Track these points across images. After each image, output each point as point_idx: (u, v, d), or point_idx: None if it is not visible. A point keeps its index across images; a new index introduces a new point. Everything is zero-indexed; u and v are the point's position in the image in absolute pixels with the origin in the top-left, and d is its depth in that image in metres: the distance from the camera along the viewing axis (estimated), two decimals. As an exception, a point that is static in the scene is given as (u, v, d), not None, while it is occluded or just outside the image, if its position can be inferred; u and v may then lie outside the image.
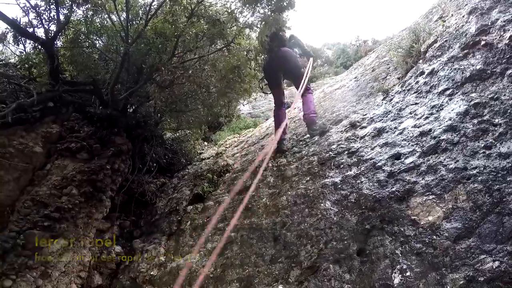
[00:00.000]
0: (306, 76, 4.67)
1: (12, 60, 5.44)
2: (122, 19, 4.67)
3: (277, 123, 5.12)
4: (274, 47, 4.98)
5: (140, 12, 5.37)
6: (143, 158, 6.01)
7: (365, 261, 2.36)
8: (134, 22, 5.09)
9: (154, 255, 4.23)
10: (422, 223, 2.30)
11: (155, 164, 6.16)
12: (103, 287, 4.24)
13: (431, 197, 2.42)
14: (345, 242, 2.63)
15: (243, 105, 13.20)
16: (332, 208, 3.09)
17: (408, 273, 2.08)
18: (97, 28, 5.10)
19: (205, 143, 9.09)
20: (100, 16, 5.10)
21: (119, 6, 4.84)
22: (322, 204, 3.21)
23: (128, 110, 5.88)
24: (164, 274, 3.80)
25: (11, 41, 4.85)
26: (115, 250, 4.59)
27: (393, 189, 2.75)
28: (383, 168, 3.05)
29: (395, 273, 2.13)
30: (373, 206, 2.75)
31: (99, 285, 4.21)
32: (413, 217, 2.38)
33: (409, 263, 2.12)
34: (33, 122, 4.51)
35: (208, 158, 7.03)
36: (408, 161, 2.91)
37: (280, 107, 5.16)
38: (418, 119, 3.35)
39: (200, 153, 7.73)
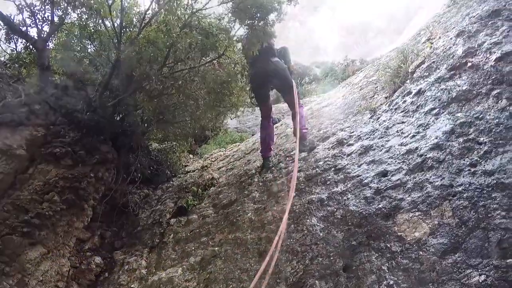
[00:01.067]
0: (297, 88, 4.62)
1: (1, 58, 5.34)
2: (116, 25, 4.65)
3: (263, 139, 5.06)
4: (262, 57, 4.88)
5: (134, 19, 5.37)
6: (127, 167, 5.91)
7: (351, 277, 2.35)
8: (127, 29, 5.08)
9: (135, 268, 4.13)
10: (408, 239, 2.30)
11: (139, 175, 6.06)
12: (81, 299, 4.09)
13: (417, 213, 2.44)
14: (331, 258, 2.62)
15: (231, 119, 13.14)
16: (318, 224, 3.09)
17: None
18: (90, 33, 5.06)
19: (191, 155, 9.00)
20: (94, 20, 5.07)
21: (114, 12, 4.83)
22: (308, 220, 3.21)
23: (116, 118, 5.82)
24: (145, 287, 3.69)
25: (2, 39, 4.79)
26: (95, 260, 4.45)
27: (380, 206, 2.76)
28: (370, 185, 3.07)
29: None
30: (360, 222, 2.76)
31: (77, 296, 4.06)
32: (399, 233, 2.39)
33: (396, 278, 2.11)
34: (19, 123, 4.39)
35: (193, 171, 6.97)
36: (394, 178, 2.94)
37: (268, 120, 5.11)
38: (404, 137, 3.40)
39: (185, 166, 7.65)
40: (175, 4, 4.62)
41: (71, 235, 4.34)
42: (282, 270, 2.85)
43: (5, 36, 4.79)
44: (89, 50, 5.35)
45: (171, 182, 6.52)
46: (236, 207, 4.28)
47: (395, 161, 3.14)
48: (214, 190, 5.32)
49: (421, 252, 2.16)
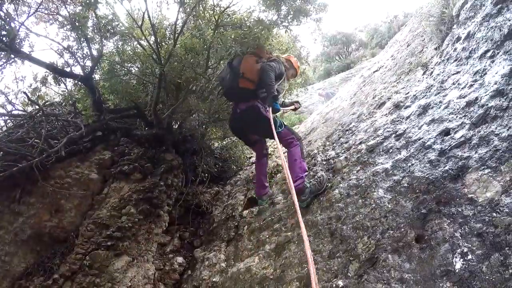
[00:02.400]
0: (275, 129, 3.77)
1: (56, 99, 5.89)
2: (151, 42, 4.86)
3: (258, 178, 4.76)
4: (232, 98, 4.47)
5: (167, 32, 5.56)
6: (194, 170, 6.18)
7: (424, 247, 2.23)
8: (163, 43, 5.27)
9: (215, 262, 4.34)
10: (480, 200, 2.12)
11: (206, 175, 6.30)
12: (168, 298, 4.44)
13: (486, 171, 2.23)
14: (402, 229, 2.51)
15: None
16: (385, 195, 2.96)
17: (469, 256, 1.92)
18: (129, 56, 5.35)
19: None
20: (130, 44, 5.36)
21: (146, 31, 5.05)
22: (375, 193, 3.10)
23: (173, 126, 6.12)
24: (225, 280, 3.88)
25: (52, 83, 5.27)
26: (177, 261, 4.78)
27: (446, 168, 2.57)
28: (433, 147, 2.87)
29: (456, 257, 1.98)
30: (427, 188, 2.59)
31: (164, 296, 4.41)
32: (470, 195, 2.21)
33: (470, 245, 1.96)
34: (86, 152, 4.86)
35: (258, 161, 7.08)
36: (458, 135, 2.71)
37: (261, 159, 4.74)
38: (462, 88, 3.11)
39: (250, 157, 7.78)
40: (201, 7, 4.69)
41: (152, 241, 4.69)
42: (353, 248, 2.80)
43: (53, 80, 5.26)
44: (133, 71, 5.65)
45: (238, 176, 6.68)
46: None
47: (456, 117, 2.89)
48: (281, 177, 5.34)
49: (494, 214, 1.97)
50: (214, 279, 4.04)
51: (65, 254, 4.22)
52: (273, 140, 3.90)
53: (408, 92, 4.08)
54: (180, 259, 4.84)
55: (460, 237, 2.06)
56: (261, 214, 4.62)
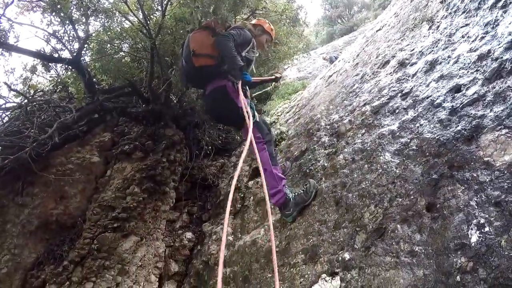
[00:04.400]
0: (249, 118, 2.99)
1: (50, 87, 5.76)
2: (139, 17, 4.62)
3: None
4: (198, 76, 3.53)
5: (155, 4, 5.28)
6: (198, 143, 6.11)
7: (436, 217, 2.08)
8: (151, 16, 5.02)
9: (222, 236, 4.31)
10: (497, 164, 1.92)
11: (210, 147, 6.22)
12: (180, 274, 4.49)
13: (504, 131, 2.01)
14: (412, 197, 2.36)
15: (290, 70, 12.83)
16: (392, 160, 2.78)
17: (486, 228, 1.74)
18: (117, 33, 5.13)
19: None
20: (117, 20, 5.11)
21: (132, 5, 4.80)
22: (381, 157, 2.91)
23: (172, 101, 5.96)
24: (232, 254, 3.86)
25: (42, 70, 5.13)
26: (187, 236, 4.80)
27: (458, 128, 2.37)
28: (443, 105, 2.65)
29: (471, 229, 1.81)
30: (438, 151, 2.40)
31: (176, 272, 4.46)
32: (486, 159, 2.01)
33: (487, 215, 1.78)
34: (83, 135, 4.77)
35: (262, 130, 6.95)
36: (470, 92, 2.49)
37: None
38: (472, 41, 2.84)
39: (253, 128, 7.66)
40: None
41: (160, 218, 4.69)
42: (360, 217, 2.67)
43: (43, 67, 5.09)
44: (123, 48, 5.43)
45: (243, 146, 6.57)
46: (308, 157, 4.13)
47: (467, 72, 2.65)
48: (285, 144, 5.22)
49: (514, 180, 1.80)
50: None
51: (73, 240, 4.26)
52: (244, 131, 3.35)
53: (414, 49, 3.81)
54: (189, 235, 4.85)
55: (475, 206, 1.88)
56: (265, 183, 4.53)
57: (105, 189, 4.56)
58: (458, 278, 1.73)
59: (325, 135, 4.19)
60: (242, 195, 4.89)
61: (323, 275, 2.57)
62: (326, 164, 3.64)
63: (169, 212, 5.02)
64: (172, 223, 5.07)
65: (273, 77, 4.64)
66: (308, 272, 2.71)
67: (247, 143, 2.62)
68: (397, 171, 2.65)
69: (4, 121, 4.94)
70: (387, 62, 4.25)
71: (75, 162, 4.59)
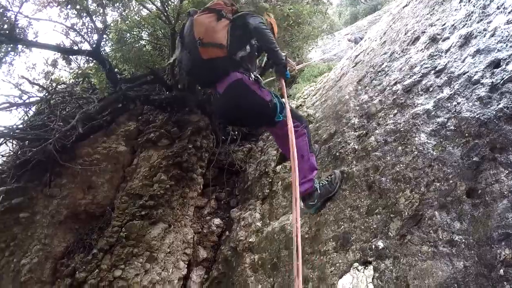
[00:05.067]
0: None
1: (72, 80, 5.84)
2: (158, 4, 4.55)
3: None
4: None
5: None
6: (224, 129, 6.07)
7: (477, 203, 1.89)
8: (169, 2, 4.92)
9: (250, 222, 4.29)
10: None
11: (237, 132, 6.18)
12: (208, 260, 4.50)
13: (554, 107, 1.80)
14: (451, 181, 2.17)
15: (315, 51, 12.55)
16: (429, 141, 2.59)
17: None
18: (136, 22, 5.07)
19: (283, 99, 8.85)
20: (134, 9, 5.08)
21: None
22: (416, 138, 2.72)
23: (196, 87, 5.90)
24: (261, 240, 3.81)
25: (63, 64, 5.19)
26: (215, 222, 4.80)
27: (500, 106, 2.14)
28: (482, 82, 2.41)
29: None
30: (479, 131, 2.19)
31: (204, 259, 4.49)
32: (533, 139, 1.81)
33: None
34: (107, 125, 4.82)
35: (289, 113, 6.80)
36: (510, 67, 2.24)
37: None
38: (509, 13, 2.57)
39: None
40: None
41: (188, 205, 4.70)
42: (394, 203, 2.51)
43: (64, 61, 5.15)
44: (143, 37, 5.41)
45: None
46: (337, 139, 3.96)
47: (506, 46, 2.39)
48: (313, 127, 5.03)
49: None
50: (250, 239, 3.99)
51: (102, 228, 4.36)
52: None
53: (445, 23, 3.53)
54: (217, 221, 4.84)
55: (522, 192, 1.69)
56: (295, 168, 4.42)
57: (133, 178, 4.61)
58: (501, 271, 1.58)
59: (354, 116, 4.01)
60: (270, 180, 4.81)
61: (355, 264, 2.46)
62: (356, 147, 3.47)
63: (197, 198, 5.03)
64: (200, 209, 5.08)
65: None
66: (340, 261, 2.61)
67: (291, 134, 2.44)
68: (434, 153, 2.46)
69: (29, 115, 5.06)
70: (417, 38, 3.99)
71: (101, 152, 4.67)
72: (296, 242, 1.69)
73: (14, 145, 4.99)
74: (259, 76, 2.90)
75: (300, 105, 6.78)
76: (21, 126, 4.90)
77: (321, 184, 3.13)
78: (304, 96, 7.69)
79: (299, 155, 2.71)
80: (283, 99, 2.88)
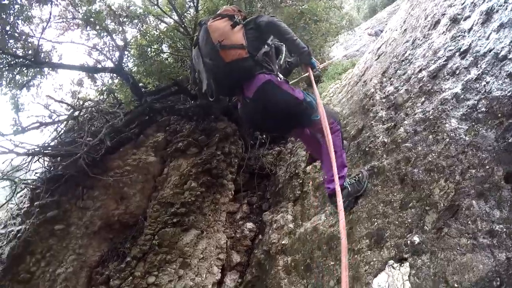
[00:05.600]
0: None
1: (99, 97, 6.07)
2: (175, 17, 4.66)
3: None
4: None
5: (187, 1, 5.27)
6: (253, 134, 6.08)
7: (517, 189, 1.76)
8: (185, 14, 5.02)
9: (282, 224, 4.24)
10: None
11: (265, 136, 6.15)
12: (242, 264, 4.50)
13: None
14: (487, 167, 2.03)
15: (336, 48, 12.38)
16: (460, 126, 2.46)
17: None
18: (155, 36, 5.21)
19: (313, 93, 8.80)
20: (152, 24, 5.21)
21: (165, 7, 4.83)
22: (447, 125, 2.60)
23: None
24: (294, 242, 3.75)
25: (89, 82, 5.42)
26: (247, 227, 4.79)
27: (533, 79, 1.99)
28: (509, 57, 2.25)
29: None
30: (512, 110, 2.04)
31: (238, 263, 4.48)
32: None
33: None
34: (136, 137, 4.97)
35: (316, 113, 6.73)
36: (538, 37, 2.07)
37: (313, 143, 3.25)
38: None
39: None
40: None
41: (220, 211, 4.73)
42: (429, 195, 2.38)
43: (90, 80, 5.38)
44: (164, 50, 5.55)
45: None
46: (365, 134, 3.88)
47: None
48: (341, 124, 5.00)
49: None
50: (283, 242, 3.94)
51: (135, 237, 4.45)
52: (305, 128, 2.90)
53: (464, 2, 3.35)
54: (250, 225, 4.83)
55: None
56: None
57: (163, 187, 4.70)
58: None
59: (381, 109, 3.90)
60: (301, 181, 4.75)
61: (390, 261, 2.36)
62: (386, 140, 3.36)
63: (229, 204, 5.05)
64: (232, 214, 5.10)
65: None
66: (374, 259, 2.51)
67: (326, 129, 2.39)
68: (467, 139, 2.32)
69: (59, 133, 5.29)
70: (438, 22, 3.85)
71: (131, 164, 4.80)
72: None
73: (46, 162, 5.22)
74: (284, 77, 2.83)
75: (327, 103, 6.70)
76: (52, 143, 5.14)
77: (350, 183, 3.06)
78: (330, 95, 7.62)
79: (334, 151, 2.56)
80: (313, 92, 2.78)
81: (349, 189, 3.01)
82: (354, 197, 3.08)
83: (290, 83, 2.92)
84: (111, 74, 5.08)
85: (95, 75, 5.35)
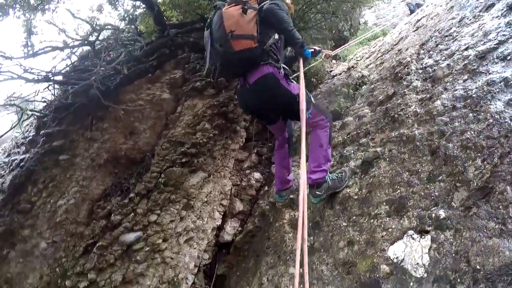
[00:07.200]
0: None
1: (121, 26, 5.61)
2: None
3: (277, 169, 3.57)
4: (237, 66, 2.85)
5: None
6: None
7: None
8: None
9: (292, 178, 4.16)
10: None
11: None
12: (244, 213, 4.49)
13: None
14: (529, 154, 1.94)
15: (368, 15, 12.01)
16: (506, 110, 2.38)
17: None
18: None
19: (333, 61, 8.52)
20: None
21: None
22: (491, 106, 2.50)
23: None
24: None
25: (110, 9, 5.00)
26: (254, 176, 4.75)
27: None
28: None
29: None
30: None
31: (240, 211, 4.48)
32: None
33: None
34: (153, 71, 4.71)
35: (340, 73, 6.50)
36: None
37: (282, 146, 3.42)
38: None
39: (330, 71, 7.27)
40: None
41: (229, 157, 4.64)
42: (462, 171, 2.29)
43: (110, 6, 4.98)
44: None
45: (319, 89, 6.20)
46: (396, 101, 3.76)
47: None
48: (367, 88, 4.90)
49: None
50: (291, 196, 3.87)
51: (141, 174, 4.34)
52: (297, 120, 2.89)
53: None
54: (257, 175, 4.79)
55: None
56: (345, 128, 4.25)
57: (175, 125, 4.56)
58: None
59: (416, 79, 3.83)
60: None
61: (410, 232, 2.31)
62: (419, 110, 3.27)
63: (238, 151, 4.97)
64: (240, 162, 5.03)
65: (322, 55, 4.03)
66: (393, 226, 2.46)
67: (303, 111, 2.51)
68: (512, 124, 2.21)
69: (73, 61, 4.99)
70: (492, 5, 3.82)
71: (145, 98, 4.62)
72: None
73: (56, 90, 4.94)
74: (287, 68, 2.98)
75: (353, 66, 6.55)
76: (63, 71, 4.85)
77: (331, 178, 3.15)
78: (357, 58, 7.54)
79: (318, 144, 3.01)
80: (300, 86, 2.79)
81: (330, 183, 3.10)
82: (332, 192, 3.17)
83: (293, 76, 3.10)
84: (134, 2, 4.68)
85: (117, 2, 4.93)
